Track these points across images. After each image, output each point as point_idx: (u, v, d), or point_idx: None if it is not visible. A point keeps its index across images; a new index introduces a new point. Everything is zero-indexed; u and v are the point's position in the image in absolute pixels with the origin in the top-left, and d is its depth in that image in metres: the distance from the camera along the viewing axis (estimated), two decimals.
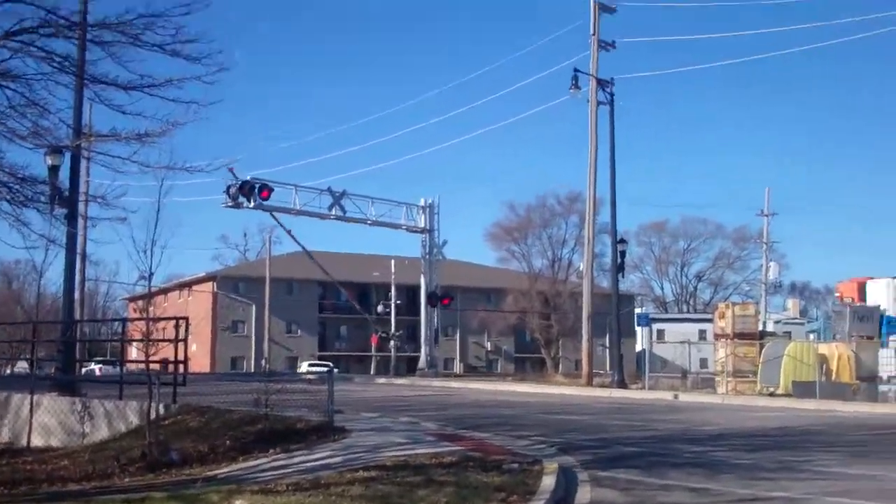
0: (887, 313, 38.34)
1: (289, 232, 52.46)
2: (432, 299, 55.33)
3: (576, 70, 39.82)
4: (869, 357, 32.82)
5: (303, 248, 56.00)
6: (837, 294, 58.89)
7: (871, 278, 59.14)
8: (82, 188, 25.44)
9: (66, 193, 21.63)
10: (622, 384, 37.42)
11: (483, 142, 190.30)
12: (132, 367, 27.72)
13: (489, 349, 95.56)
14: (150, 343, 16.56)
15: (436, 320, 58.25)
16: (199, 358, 75.38)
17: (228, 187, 45.16)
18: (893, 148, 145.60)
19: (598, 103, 40.68)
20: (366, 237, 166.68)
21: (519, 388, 40.54)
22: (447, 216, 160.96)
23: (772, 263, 69.46)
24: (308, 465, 13.05)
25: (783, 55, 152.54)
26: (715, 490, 11.45)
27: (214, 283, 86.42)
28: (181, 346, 20.36)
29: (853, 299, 48.94)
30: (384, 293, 79.91)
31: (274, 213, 49.39)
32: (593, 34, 41.17)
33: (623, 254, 42.19)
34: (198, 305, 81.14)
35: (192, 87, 14.25)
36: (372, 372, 77.40)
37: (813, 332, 40.19)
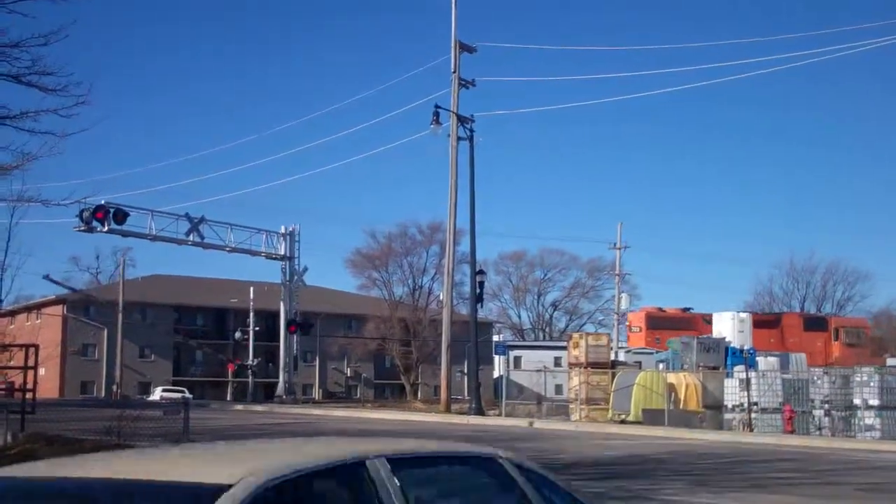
0: (732, 345, 40.03)
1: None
2: (292, 326, 54.98)
3: (437, 106, 40.46)
4: (715, 386, 34.18)
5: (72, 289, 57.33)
6: (628, 323, 61.04)
7: (661, 309, 61.45)
8: None
9: None
10: (479, 411, 37.85)
11: (346, 172, 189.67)
12: None
13: (349, 375, 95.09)
14: None
15: (295, 346, 57.89)
16: (48, 382, 72.59)
17: (82, 211, 44.09)
18: (728, 192, 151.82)
19: (459, 139, 41.35)
20: (225, 262, 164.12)
21: (378, 415, 40.58)
22: (308, 244, 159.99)
23: (623, 294, 71.51)
24: None
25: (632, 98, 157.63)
26: None
27: (65, 307, 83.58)
28: (31, 373, 19.77)
29: (640, 328, 51.02)
30: (242, 319, 78.80)
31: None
32: (454, 72, 41.89)
33: (482, 284, 42.85)
34: (47, 329, 78.23)
35: (49, 120, 13.77)
36: (228, 398, 76.05)
37: (662, 361, 41.52)
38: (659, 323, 51.19)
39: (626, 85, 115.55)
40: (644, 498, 13.81)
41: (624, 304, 68.21)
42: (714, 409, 33.65)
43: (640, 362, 40.77)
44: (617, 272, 74.26)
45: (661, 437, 27.41)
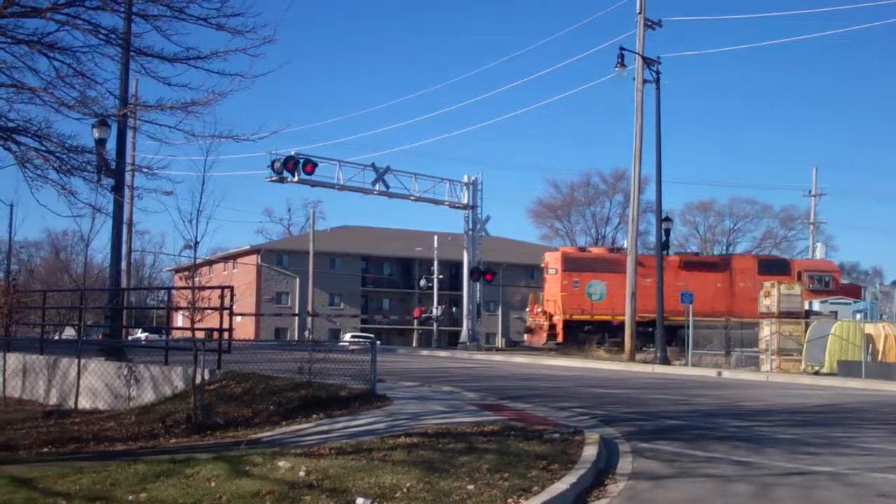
0: None
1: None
2: (475, 274, 55.42)
3: (622, 48, 39.37)
4: None
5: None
6: (543, 264, 53.67)
7: (582, 248, 55.26)
8: (128, 159, 25.61)
9: (113, 163, 21.81)
10: (665, 360, 37.23)
11: (526, 121, 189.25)
12: (177, 334, 28.02)
13: None
14: (196, 310, 16.71)
15: (478, 295, 58.34)
16: (244, 328, 75.99)
17: (273, 162, 45.53)
18: None
19: (644, 81, 40.29)
20: (409, 213, 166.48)
21: (560, 362, 40.46)
22: (490, 193, 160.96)
23: (818, 244, 68.47)
24: (351, 430, 13.12)
25: (834, 35, 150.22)
26: (759, 463, 11.37)
27: (259, 256, 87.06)
28: (226, 314, 20.55)
29: (556, 270, 46.59)
30: (427, 268, 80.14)
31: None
32: (639, 12, 40.69)
33: (668, 232, 41.98)
34: (242, 277, 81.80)
35: (237, 60, 14.18)
36: (414, 344, 77.68)
37: (860, 312, 39.62)
38: (576, 264, 46.74)
39: (821, 19, 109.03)
40: (840, 445, 13.20)
41: (819, 255, 65.36)
42: None
43: (835, 312, 39.02)
44: (811, 221, 71.40)
45: (858, 389, 26.25)
